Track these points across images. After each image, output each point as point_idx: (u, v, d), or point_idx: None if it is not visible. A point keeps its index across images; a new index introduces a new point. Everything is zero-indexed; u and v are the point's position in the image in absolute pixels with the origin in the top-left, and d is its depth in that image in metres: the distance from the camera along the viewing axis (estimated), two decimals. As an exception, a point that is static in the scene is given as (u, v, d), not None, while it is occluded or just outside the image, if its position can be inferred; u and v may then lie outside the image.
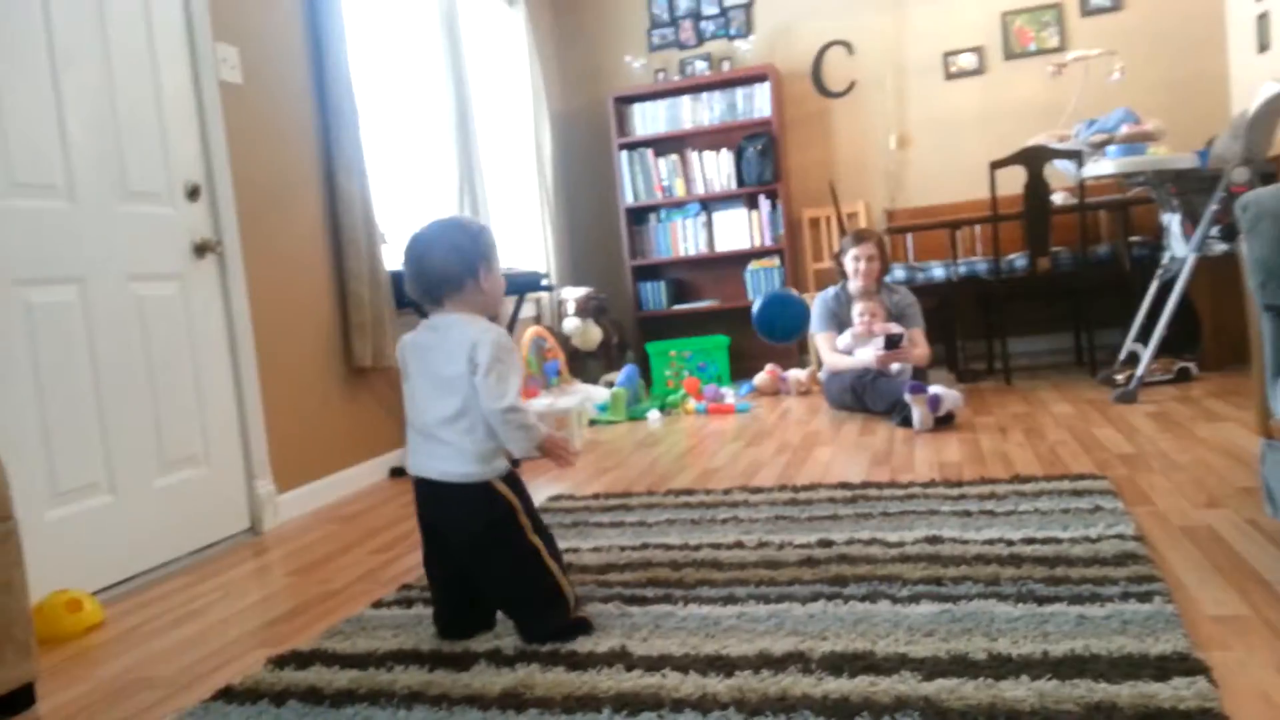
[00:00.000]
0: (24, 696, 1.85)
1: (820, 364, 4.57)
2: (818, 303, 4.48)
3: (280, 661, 1.89)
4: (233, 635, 2.15)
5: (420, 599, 2.17)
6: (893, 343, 4.02)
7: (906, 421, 3.69)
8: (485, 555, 1.84)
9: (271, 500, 3.22)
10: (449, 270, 1.87)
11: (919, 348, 4.20)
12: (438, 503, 1.88)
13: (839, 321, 4.35)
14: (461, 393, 1.83)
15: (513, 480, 1.90)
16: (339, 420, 3.69)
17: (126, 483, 2.72)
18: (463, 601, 1.92)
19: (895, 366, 4.01)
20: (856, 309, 4.21)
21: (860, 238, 4.31)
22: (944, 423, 3.66)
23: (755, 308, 3.51)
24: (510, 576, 1.85)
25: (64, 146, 2.62)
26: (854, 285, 4.29)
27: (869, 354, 4.08)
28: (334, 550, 2.82)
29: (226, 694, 1.76)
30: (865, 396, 4.06)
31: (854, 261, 4.26)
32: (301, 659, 1.88)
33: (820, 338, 4.43)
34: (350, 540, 2.92)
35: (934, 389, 3.64)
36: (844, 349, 4.23)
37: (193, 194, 3.04)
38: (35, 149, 2.53)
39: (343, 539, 2.95)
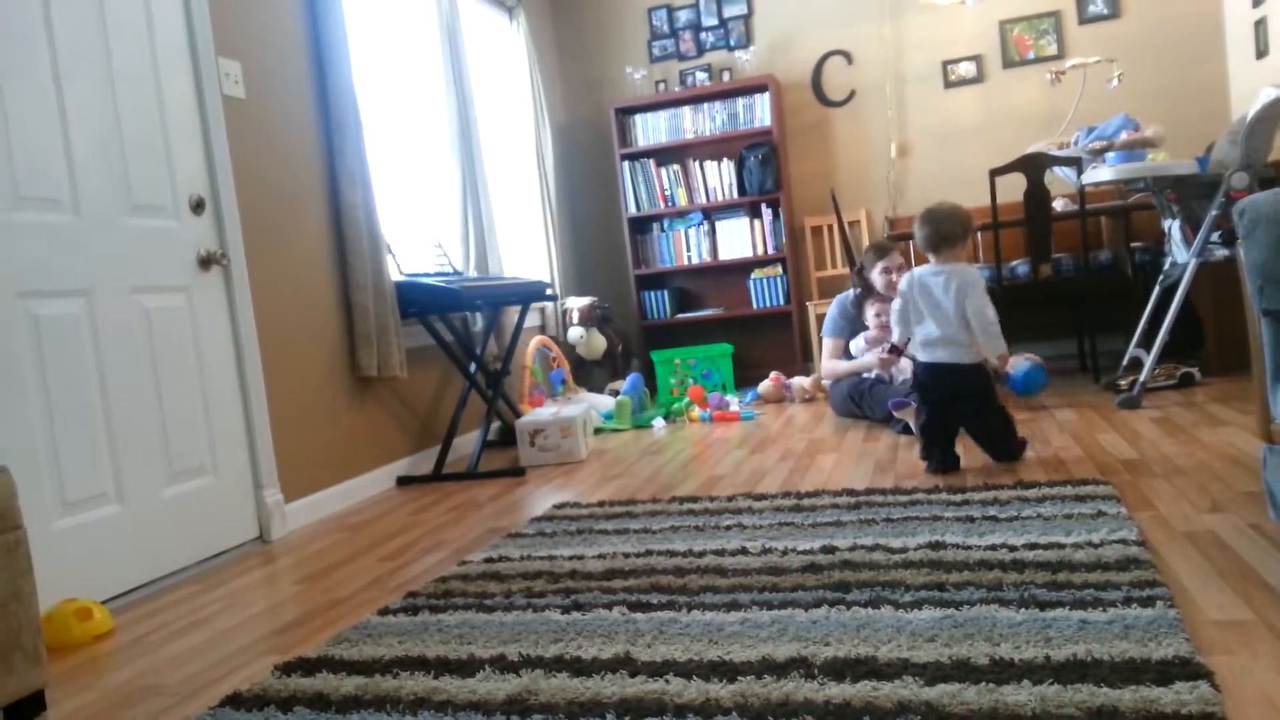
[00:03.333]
0: (34, 704, 1.86)
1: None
2: (834, 306, 4.45)
3: (287, 668, 1.90)
4: (240, 643, 2.17)
5: (426, 606, 2.18)
6: (897, 348, 4.01)
7: (907, 429, 3.69)
8: (978, 407, 3.05)
9: (279, 509, 3.24)
10: (953, 234, 3.04)
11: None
12: (949, 377, 3.05)
13: (851, 330, 4.35)
14: (959, 313, 3.00)
15: (988, 367, 3.08)
16: (345, 430, 3.70)
17: (134, 493, 2.73)
18: (950, 445, 3.06)
19: (899, 377, 4.01)
20: (871, 310, 4.19)
21: (885, 249, 4.24)
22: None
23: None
24: (992, 419, 3.06)
25: (68, 160, 2.64)
26: (883, 295, 4.24)
27: (872, 357, 4.08)
28: (341, 558, 2.84)
29: (234, 700, 1.77)
30: (863, 404, 4.06)
31: (884, 275, 4.19)
32: (308, 666, 1.90)
33: (826, 342, 4.42)
34: (357, 548, 2.94)
35: None
36: (857, 353, 4.23)
37: (197, 207, 3.07)
38: (40, 163, 2.56)
39: (350, 547, 2.97)
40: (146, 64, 2.94)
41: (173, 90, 3.03)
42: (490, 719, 1.57)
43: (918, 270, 3.10)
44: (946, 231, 3.03)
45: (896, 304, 3.14)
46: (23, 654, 1.80)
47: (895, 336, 3.27)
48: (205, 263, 3.08)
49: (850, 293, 4.43)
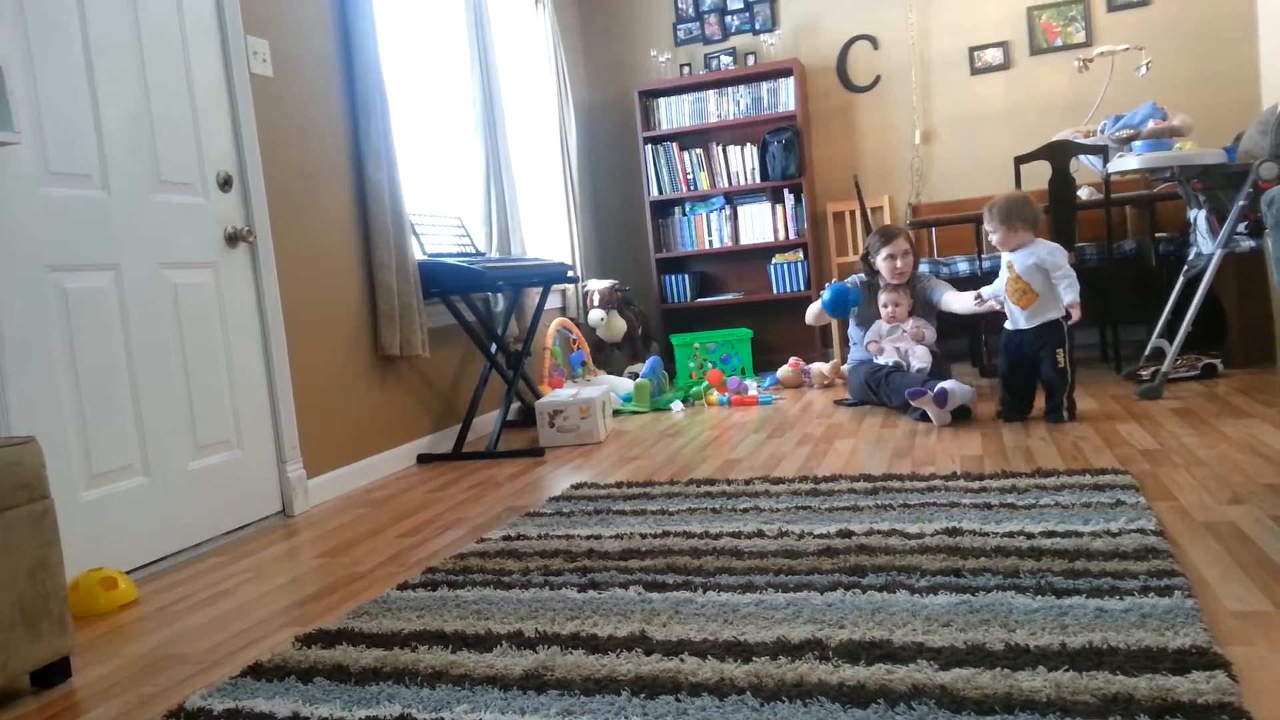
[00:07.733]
0: (60, 670, 1.90)
1: (844, 358, 4.58)
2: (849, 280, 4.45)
3: (308, 640, 1.93)
4: (262, 614, 2.20)
5: (444, 582, 2.21)
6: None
7: (925, 416, 3.69)
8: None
9: (302, 484, 3.28)
10: (1038, 219, 3.61)
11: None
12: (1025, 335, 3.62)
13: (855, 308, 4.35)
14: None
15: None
16: (367, 407, 3.74)
17: (160, 465, 2.77)
18: (1023, 398, 3.63)
19: (915, 364, 4.01)
20: (882, 298, 4.19)
21: (890, 235, 4.20)
22: (961, 416, 3.66)
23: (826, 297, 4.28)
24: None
25: (98, 137, 2.67)
26: (890, 282, 4.22)
27: (889, 353, 4.11)
28: (362, 534, 2.87)
29: (255, 670, 1.80)
30: (880, 391, 4.06)
31: (889, 261, 4.15)
32: (329, 638, 1.92)
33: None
34: (378, 524, 2.97)
35: (942, 384, 3.61)
36: (870, 339, 4.23)
37: (225, 184, 3.09)
38: (70, 138, 2.59)
39: (370, 523, 3.00)
40: (176, 42, 2.96)
41: (202, 68, 3.05)
42: (507, 693, 1.59)
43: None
44: (1035, 219, 3.63)
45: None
46: (49, 621, 1.84)
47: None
48: (232, 239, 3.10)
49: (855, 278, 4.42)
